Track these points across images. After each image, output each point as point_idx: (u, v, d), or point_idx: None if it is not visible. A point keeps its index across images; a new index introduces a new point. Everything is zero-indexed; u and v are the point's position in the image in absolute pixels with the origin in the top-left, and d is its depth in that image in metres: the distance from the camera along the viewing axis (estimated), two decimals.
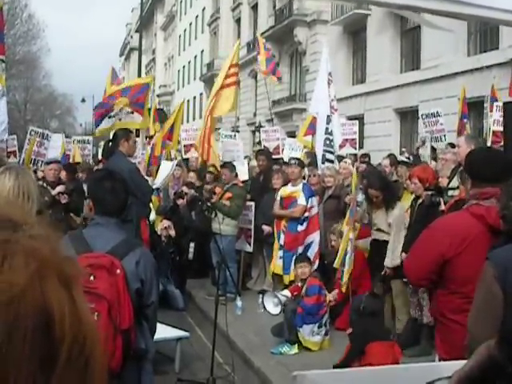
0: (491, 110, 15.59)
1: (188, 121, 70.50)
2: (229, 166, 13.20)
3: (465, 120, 16.54)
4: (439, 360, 4.94)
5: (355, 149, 17.67)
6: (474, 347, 4.12)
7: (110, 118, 14.77)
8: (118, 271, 4.31)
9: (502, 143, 12.45)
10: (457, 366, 2.80)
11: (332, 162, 13.66)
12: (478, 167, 4.93)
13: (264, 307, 10.04)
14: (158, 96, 69.42)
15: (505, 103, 7.21)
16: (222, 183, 13.18)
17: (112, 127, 13.27)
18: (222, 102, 14.45)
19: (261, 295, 11.80)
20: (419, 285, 7.10)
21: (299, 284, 10.04)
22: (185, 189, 13.86)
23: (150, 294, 4.63)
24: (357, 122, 19.44)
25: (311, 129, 15.05)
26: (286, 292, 10.04)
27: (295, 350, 9.54)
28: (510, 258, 4.07)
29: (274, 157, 16.23)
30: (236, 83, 14.92)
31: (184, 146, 19.39)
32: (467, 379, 2.61)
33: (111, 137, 10.58)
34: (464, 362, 2.88)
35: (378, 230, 10.18)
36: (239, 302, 11.65)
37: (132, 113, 16.71)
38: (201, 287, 13.89)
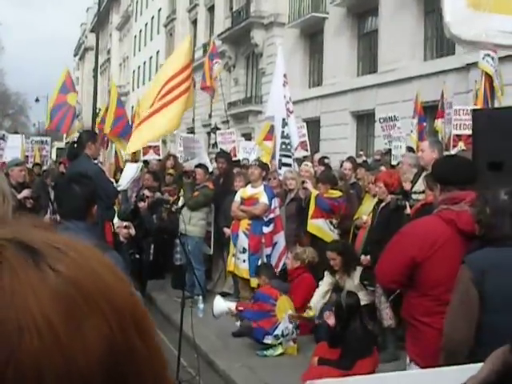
0: (441, 116, 15.79)
1: None
2: (203, 167, 13.18)
3: (424, 123, 16.71)
4: (410, 362, 5.00)
5: (307, 151, 17.74)
6: (450, 349, 4.23)
7: (77, 117, 14.83)
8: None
9: (458, 147, 12.68)
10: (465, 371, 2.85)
11: (290, 165, 13.65)
12: (447, 173, 5.04)
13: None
14: None
15: (473, 110, 7.31)
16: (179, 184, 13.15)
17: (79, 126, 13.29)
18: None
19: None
20: (390, 288, 7.17)
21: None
22: (146, 192, 13.79)
23: None
24: (305, 124, 19.56)
25: (271, 134, 15.04)
26: (232, 305, 10.10)
27: (280, 350, 9.53)
28: (486, 262, 4.16)
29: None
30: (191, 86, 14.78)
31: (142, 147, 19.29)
32: None
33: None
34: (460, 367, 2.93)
35: None
36: (201, 305, 11.61)
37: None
38: (160, 289, 13.84)
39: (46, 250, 0.80)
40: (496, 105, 12.96)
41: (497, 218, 4.25)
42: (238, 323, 9.97)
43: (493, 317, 4.06)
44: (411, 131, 16.51)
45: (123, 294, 0.83)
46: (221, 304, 9.97)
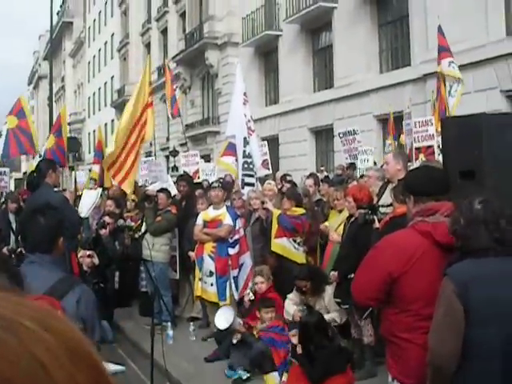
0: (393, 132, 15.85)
1: None
2: (165, 192, 12.98)
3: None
4: (392, 380, 4.85)
5: (268, 169, 17.62)
6: (437, 364, 4.11)
7: None
8: (59, 313, 4.07)
9: (419, 159, 12.65)
10: None
11: (253, 185, 13.49)
12: (420, 184, 4.93)
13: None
14: (69, 124, 68.39)
15: (443, 119, 7.25)
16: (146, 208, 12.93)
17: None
18: (149, 125, 14.19)
19: (191, 323, 11.66)
20: (367, 305, 7.03)
21: (253, 324, 9.87)
22: (107, 219, 13.55)
23: (93, 332, 4.43)
24: (266, 142, 19.44)
25: (230, 150, 14.86)
26: (240, 321, 9.88)
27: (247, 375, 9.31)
28: (469, 274, 4.07)
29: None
30: (152, 105, 14.79)
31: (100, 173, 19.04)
32: None
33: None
34: None
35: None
36: (171, 331, 11.40)
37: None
38: (128, 317, 13.58)
39: None
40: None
41: (471, 229, 4.14)
42: (235, 340, 9.69)
43: (478, 330, 3.97)
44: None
45: None
46: (228, 315, 9.71)
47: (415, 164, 11.87)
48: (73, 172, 18.16)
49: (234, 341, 9.67)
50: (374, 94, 25.92)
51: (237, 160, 13.85)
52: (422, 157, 12.88)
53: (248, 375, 9.26)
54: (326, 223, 10.59)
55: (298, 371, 8.00)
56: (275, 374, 9.02)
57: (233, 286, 11.53)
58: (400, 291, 4.66)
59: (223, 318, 9.70)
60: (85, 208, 12.52)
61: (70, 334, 0.81)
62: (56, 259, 4.68)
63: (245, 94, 14.30)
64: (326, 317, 9.01)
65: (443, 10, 20.64)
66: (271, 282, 10.53)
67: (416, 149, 13.26)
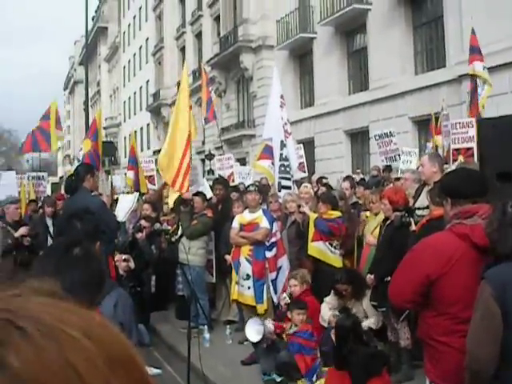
0: (437, 133, 15.72)
1: None
2: (201, 195, 12.99)
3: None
4: None
5: (304, 172, 17.57)
6: (475, 369, 4.06)
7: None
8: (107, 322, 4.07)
9: (458, 161, 12.55)
10: None
11: (289, 188, 13.44)
12: (458, 186, 4.87)
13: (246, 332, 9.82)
14: (104, 128, 68.84)
15: (479, 121, 7.18)
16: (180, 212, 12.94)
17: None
18: (192, 126, 14.33)
19: (228, 326, 11.66)
20: (404, 308, 7.00)
21: (285, 325, 9.82)
22: (143, 222, 13.60)
23: (130, 335, 4.43)
24: (302, 145, 19.40)
25: (266, 153, 14.82)
26: (271, 325, 9.82)
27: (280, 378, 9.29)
28: (506, 277, 4.01)
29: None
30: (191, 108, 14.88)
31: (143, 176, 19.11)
32: None
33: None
34: None
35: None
36: (207, 335, 11.42)
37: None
38: (165, 320, 13.62)
39: (8, 337, 0.73)
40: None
41: (501, 232, 4.10)
42: (265, 345, 9.67)
43: None
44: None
45: None
46: (257, 326, 9.68)
47: (452, 166, 11.78)
48: (109, 176, 18.24)
49: (264, 345, 9.66)
50: (409, 95, 25.77)
51: (273, 163, 13.79)
52: (460, 158, 12.79)
53: (281, 378, 9.25)
54: (368, 236, 10.50)
55: (335, 374, 7.98)
56: (305, 380, 9.02)
57: (271, 288, 11.52)
58: (438, 294, 4.62)
59: (253, 331, 9.65)
60: (122, 212, 12.57)
61: (114, 344, 0.81)
62: None
63: (281, 96, 14.27)
64: (364, 323, 8.99)
65: (478, 11, 20.51)
66: (308, 285, 10.48)
67: (455, 150, 13.16)
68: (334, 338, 8.51)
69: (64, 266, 3.14)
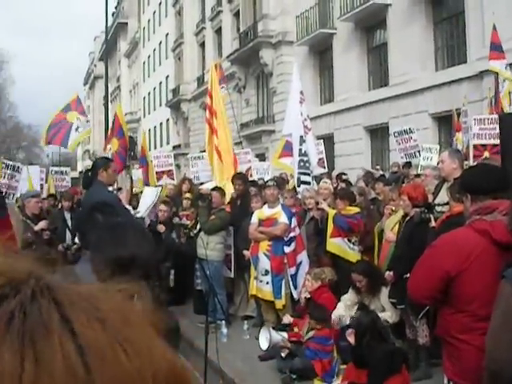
0: (458, 129, 15.65)
1: (155, 147, 70.29)
2: (219, 190, 12.97)
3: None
4: (448, 382, 4.78)
5: (324, 168, 17.53)
6: (494, 370, 3.99)
7: (76, 130, 14.86)
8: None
9: (483, 156, 12.48)
10: None
11: (309, 183, 13.41)
12: (478, 182, 4.82)
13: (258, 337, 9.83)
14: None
15: (501, 115, 7.13)
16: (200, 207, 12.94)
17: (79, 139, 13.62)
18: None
19: (246, 322, 11.67)
20: (423, 304, 6.96)
21: (301, 332, 9.81)
22: (162, 207, 13.58)
23: None
24: (322, 141, 19.36)
25: (287, 150, 14.77)
26: (284, 334, 9.81)
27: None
28: None
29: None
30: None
31: (156, 172, 19.13)
32: None
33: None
34: None
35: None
36: (225, 329, 11.42)
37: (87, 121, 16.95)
38: (182, 315, 13.60)
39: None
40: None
41: None
42: (283, 354, 9.67)
43: None
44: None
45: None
46: (266, 334, 9.69)
47: (472, 162, 11.73)
48: (128, 171, 18.29)
49: (283, 354, 9.65)
50: (429, 91, 25.65)
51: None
52: (486, 154, 12.74)
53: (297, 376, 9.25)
54: (387, 232, 10.46)
55: (353, 372, 7.95)
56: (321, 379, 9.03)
57: (290, 284, 11.51)
58: (457, 290, 4.58)
59: (264, 339, 9.67)
60: (143, 207, 12.55)
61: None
62: None
63: (301, 92, 14.25)
64: (380, 314, 8.95)
65: (499, 6, 20.38)
66: (325, 282, 10.45)
67: (481, 146, 13.10)
68: (348, 337, 8.50)
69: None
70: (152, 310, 0.85)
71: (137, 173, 19.32)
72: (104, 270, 2.95)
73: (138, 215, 11.83)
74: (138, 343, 0.74)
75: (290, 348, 9.62)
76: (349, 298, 9.81)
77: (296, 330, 10.03)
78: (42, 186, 19.72)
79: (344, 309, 9.70)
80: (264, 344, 9.60)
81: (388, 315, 9.29)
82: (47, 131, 16.68)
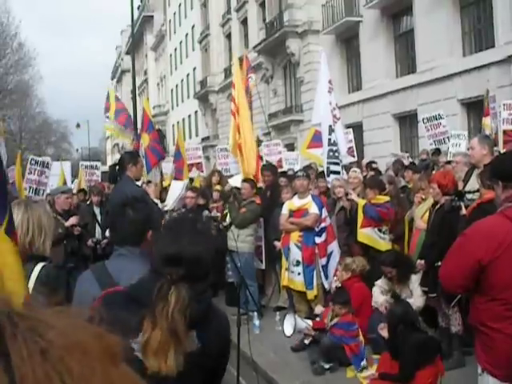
0: (488, 113, 15.45)
1: (184, 139, 70.37)
2: (250, 182, 12.92)
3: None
4: (482, 371, 4.74)
5: (353, 157, 17.45)
6: None
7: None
8: None
9: None
10: None
11: (338, 173, 13.34)
12: (509, 168, 4.77)
13: (282, 324, 9.84)
14: (152, 117, 69.12)
15: None
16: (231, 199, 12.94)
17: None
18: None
19: (277, 313, 11.67)
20: (455, 292, 6.92)
21: (325, 320, 9.81)
22: (189, 193, 13.58)
23: None
24: (351, 130, 19.31)
25: (316, 141, 14.71)
26: (309, 321, 9.82)
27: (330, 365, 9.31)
28: None
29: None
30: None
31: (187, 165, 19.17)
32: None
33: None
34: None
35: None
36: (257, 321, 11.43)
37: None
38: None
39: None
40: None
41: None
42: (307, 341, 9.70)
43: None
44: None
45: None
46: (292, 320, 9.70)
47: (502, 149, 11.63)
48: (158, 164, 18.32)
49: (307, 342, 9.66)
50: (458, 77, 25.46)
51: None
52: None
53: (330, 365, 9.23)
54: (418, 221, 10.42)
55: (387, 362, 7.93)
56: (354, 367, 9.03)
57: (321, 274, 11.49)
58: (490, 279, 4.54)
59: (289, 325, 9.67)
60: (171, 200, 12.58)
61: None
62: (144, 252, 4.65)
63: (330, 81, 14.15)
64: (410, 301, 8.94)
65: None
66: (355, 272, 10.45)
67: (511, 131, 12.98)
68: (380, 331, 8.49)
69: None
70: (107, 334, 0.85)
71: (167, 166, 19.35)
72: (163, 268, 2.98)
73: (166, 208, 11.85)
74: (80, 372, 0.74)
75: (313, 336, 9.64)
76: (382, 284, 9.81)
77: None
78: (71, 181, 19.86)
79: (379, 294, 9.72)
80: (289, 330, 9.61)
81: (411, 301, 9.26)
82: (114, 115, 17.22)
